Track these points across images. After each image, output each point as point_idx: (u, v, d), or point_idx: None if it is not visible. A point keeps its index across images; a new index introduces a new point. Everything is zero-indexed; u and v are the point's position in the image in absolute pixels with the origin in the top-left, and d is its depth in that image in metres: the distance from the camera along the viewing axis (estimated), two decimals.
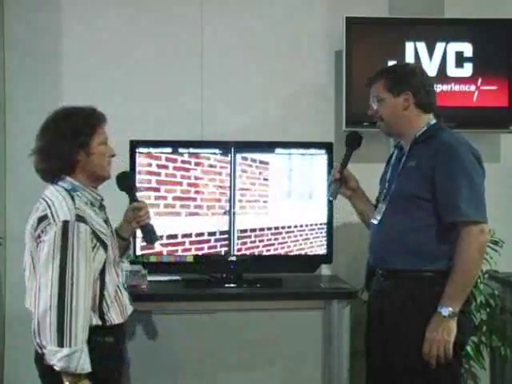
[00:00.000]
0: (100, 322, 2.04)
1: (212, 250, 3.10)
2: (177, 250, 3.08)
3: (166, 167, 3.07)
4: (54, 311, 1.89)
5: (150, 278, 2.95)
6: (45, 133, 2.09)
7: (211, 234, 3.10)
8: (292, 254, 3.17)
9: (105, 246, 2.06)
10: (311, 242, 3.16)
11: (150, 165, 3.05)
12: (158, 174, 3.06)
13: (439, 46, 3.30)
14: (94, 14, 3.33)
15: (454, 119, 3.19)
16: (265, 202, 3.14)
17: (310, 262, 3.20)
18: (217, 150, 3.11)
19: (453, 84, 3.32)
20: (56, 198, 2.02)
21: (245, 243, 3.12)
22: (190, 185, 3.08)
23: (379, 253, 2.45)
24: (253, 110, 3.39)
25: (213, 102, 3.38)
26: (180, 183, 3.08)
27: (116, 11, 3.34)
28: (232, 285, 3.09)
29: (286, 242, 3.15)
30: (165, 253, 3.09)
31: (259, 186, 3.15)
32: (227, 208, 3.10)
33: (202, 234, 3.09)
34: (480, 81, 3.31)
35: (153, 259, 3.09)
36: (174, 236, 3.07)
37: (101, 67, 3.33)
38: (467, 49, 3.31)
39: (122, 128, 3.20)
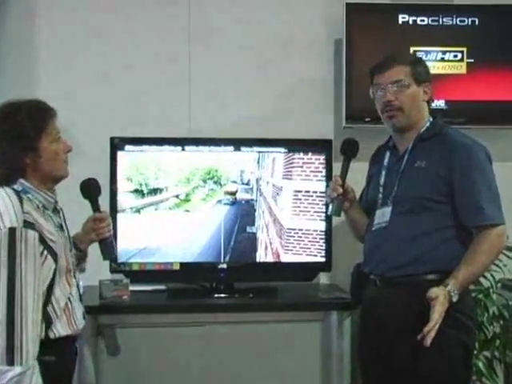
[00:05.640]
0: (43, 336, 1.94)
1: None
2: None
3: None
4: (3, 326, 1.83)
5: (132, 288, 2.93)
6: None
7: None
8: (288, 261, 3.12)
9: (54, 254, 1.97)
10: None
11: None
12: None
13: (445, 33, 3.19)
14: (74, 6, 3.25)
15: (471, 114, 3.18)
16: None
17: (307, 270, 3.18)
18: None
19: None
20: (3, 202, 1.92)
21: None
22: None
23: (388, 259, 2.35)
24: (244, 105, 3.31)
25: (201, 95, 3.31)
26: None
27: (99, 3, 3.27)
28: (222, 295, 3.07)
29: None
30: None
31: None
32: None
33: None
34: (493, 72, 3.18)
35: (135, 267, 3.05)
36: None
37: (81, 60, 3.26)
38: (475, 37, 3.19)
39: (102, 124, 3.24)
